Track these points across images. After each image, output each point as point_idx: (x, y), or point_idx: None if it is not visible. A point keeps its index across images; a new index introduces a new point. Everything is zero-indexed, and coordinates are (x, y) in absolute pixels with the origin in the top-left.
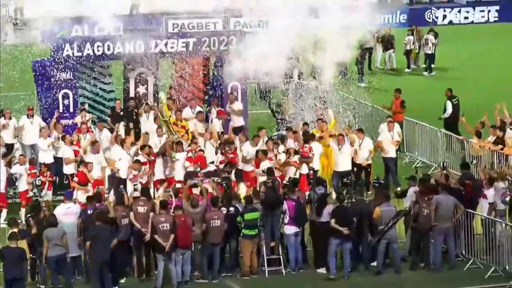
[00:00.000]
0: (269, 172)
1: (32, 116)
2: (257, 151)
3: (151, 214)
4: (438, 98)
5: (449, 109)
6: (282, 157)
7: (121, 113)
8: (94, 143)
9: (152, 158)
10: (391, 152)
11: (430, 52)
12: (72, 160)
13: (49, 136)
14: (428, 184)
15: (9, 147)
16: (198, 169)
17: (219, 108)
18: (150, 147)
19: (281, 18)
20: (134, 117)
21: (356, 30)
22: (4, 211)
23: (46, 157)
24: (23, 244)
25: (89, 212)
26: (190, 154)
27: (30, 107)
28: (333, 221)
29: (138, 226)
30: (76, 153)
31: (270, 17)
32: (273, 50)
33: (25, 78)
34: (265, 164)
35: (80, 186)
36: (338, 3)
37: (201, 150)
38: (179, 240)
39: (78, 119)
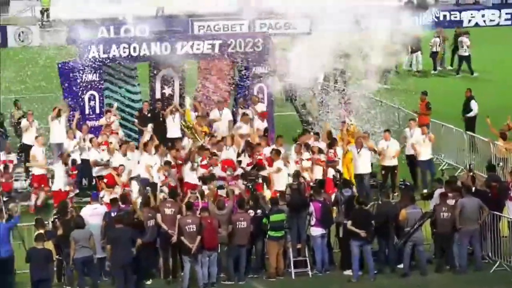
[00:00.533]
0: (296, 174)
1: (60, 116)
2: (271, 150)
3: (178, 216)
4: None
5: (475, 108)
6: (306, 163)
7: (148, 115)
8: (121, 145)
9: (180, 162)
10: (424, 155)
11: (466, 54)
12: (98, 163)
13: (74, 137)
14: (452, 186)
15: (30, 149)
16: (228, 172)
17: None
18: (178, 150)
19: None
20: (160, 119)
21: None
22: None
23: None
24: (49, 245)
25: (112, 214)
26: (204, 162)
27: (56, 107)
28: (349, 223)
29: (165, 227)
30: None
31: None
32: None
33: (51, 80)
34: (278, 163)
35: (108, 188)
36: (370, 6)
37: (214, 154)
38: (206, 241)
39: (102, 121)
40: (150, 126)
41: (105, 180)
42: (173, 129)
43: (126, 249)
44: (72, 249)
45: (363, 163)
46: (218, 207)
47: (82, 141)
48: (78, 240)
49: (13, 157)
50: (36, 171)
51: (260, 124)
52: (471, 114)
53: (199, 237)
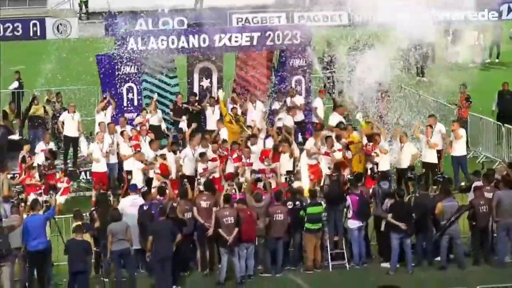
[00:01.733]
0: (336, 166)
1: (105, 109)
2: (275, 146)
3: (214, 208)
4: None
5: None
6: (337, 155)
7: (183, 107)
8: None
9: (225, 153)
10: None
11: None
12: (129, 157)
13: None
14: (490, 178)
15: (72, 141)
16: (266, 163)
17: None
18: (225, 141)
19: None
20: (194, 111)
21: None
22: None
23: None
24: (87, 237)
25: (145, 208)
26: (235, 155)
27: (104, 99)
28: (390, 215)
29: (201, 220)
30: (135, 147)
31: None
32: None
33: (89, 72)
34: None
35: (163, 178)
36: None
37: (246, 147)
38: (244, 233)
39: (138, 120)
40: (184, 118)
41: (158, 171)
42: (212, 121)
43: (167, 242)
44: (109, 242)
45: (405, 158)
46: (255, 199)
47: (110, 146)
48: (115, 233)
49: (52, 146)
50: (95, 168)
51: (299, 117)
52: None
53: (236, 229)
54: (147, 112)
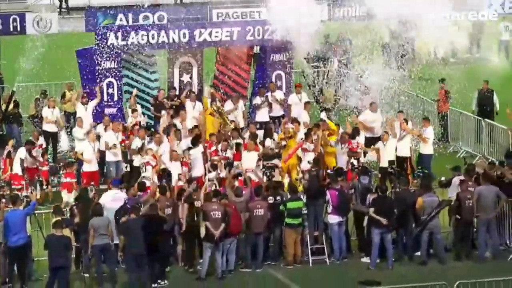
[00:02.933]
0: (315, 161)
1: (87, 103)
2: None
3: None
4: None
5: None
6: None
7: (169, 103)
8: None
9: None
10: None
11: None
12: (113, 147)
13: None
14: (471, 173)
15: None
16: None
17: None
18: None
19: None
20: (174, 106)
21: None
22: None
23: (81, 146)
24: (67, 232)
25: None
26: (213, 148)
27: (84, 95)
28: (371, 210)
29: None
30: (121, 142)
31: None
32: None
33: (69, 67)
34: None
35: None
36: None
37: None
38: (233, 227)
39: (130, 122)
40: (163, 113)
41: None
42: (192, 116)
43: (139, 239)
44: (91, 236)
45: (389, 155)
46: (236, 195)
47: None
48: (96, 228)
49: (42, 140)
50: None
51: (279, 111)
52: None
53: (223, 224)
54: (137, 113)
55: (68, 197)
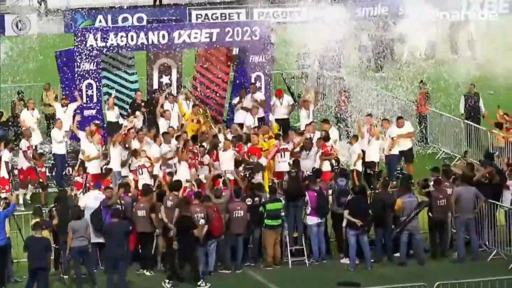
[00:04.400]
0: (295, 162)
1: (67, 105)
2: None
3: (177, 210)
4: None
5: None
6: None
7: (143, 104)
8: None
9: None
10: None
11: None
12: (93, 158)
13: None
14: (448, 175)
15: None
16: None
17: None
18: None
19: None
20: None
21: None
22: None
23: (58, 148)
24: (46, 234)
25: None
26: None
27: (64, 96)
28: (346, 212)
29: (165, 219)
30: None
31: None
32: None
33: (48, 68)
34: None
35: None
36: None
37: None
38: (215, 229)
39: (125, 125)
40: (137, 114)
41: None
42: (173, 117)
43: (117, 243)
44: (70, 238)
45: (372, 155)
46: (215, 196)
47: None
48: (75, 230)
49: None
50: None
51: (260, 113)
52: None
53: (206, 226)
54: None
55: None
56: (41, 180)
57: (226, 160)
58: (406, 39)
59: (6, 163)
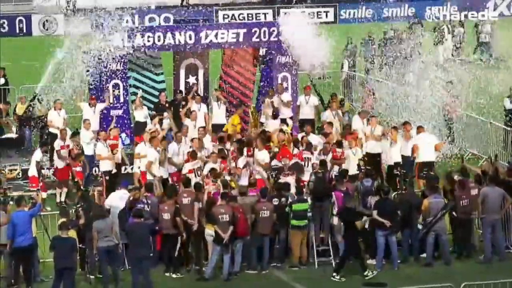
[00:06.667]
0: (322, 163)
1: (95, 106)
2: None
3: (196, 203)
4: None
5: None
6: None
7: (167, 105)
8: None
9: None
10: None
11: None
12: (105, 157)
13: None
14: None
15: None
16: (283, 162)
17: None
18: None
19: None
20: (181, 109)
21: None
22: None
23: (86, 149)
24: (72, 233)
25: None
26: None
27: (93, 96)
28: (375, 212)
29: (184, 217)
30: (112, 147)
31: None
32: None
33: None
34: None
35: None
36: None
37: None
38: (241, 229)
39: (149, 128)
40: (157, 118)
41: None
42: (219, 116)
43: (141, 243)
44: (95, 238)
45: (396, 153)
46: (240, 193)
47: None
48: (100, 230)
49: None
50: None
51: (287, 113)
52: None
53: (231, 227)
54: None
55: None
56: (76, 179)
57: (259, 160)
58: None
59: (37, 162)
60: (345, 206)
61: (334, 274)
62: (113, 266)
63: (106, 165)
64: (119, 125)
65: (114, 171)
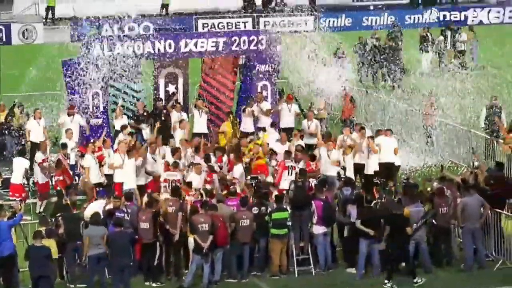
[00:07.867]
0: (301, 172)
1: (73, 115)
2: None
3: (180, 214)
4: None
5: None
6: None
7: (145, 114)
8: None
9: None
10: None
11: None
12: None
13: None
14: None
15: (37, 146)
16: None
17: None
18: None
19: None
20: (163, 118)
21: None
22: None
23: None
24: (51, 242)
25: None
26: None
27: (71, 105)
28: (358, 222)
29: (167, 226)
30: (100, 158)
31: None
32: None
33: (54, 78)
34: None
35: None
36: None
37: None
38: (220, 239)
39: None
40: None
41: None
42: (201, 124)
43: (122, 252)
44: (86, 245)
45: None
46: (217, 200)
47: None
48: (92, 237)
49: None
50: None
51: (265, 122)
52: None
53: (211, 236)
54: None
55: None
56: (58, 188)
57: (238, 170)
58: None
59: (26, 170)
60: (393, 213)
61: (385, 281)
62: (102, 274)
63: (94, 177)
64: (98, 135)
65: (106, 182)
